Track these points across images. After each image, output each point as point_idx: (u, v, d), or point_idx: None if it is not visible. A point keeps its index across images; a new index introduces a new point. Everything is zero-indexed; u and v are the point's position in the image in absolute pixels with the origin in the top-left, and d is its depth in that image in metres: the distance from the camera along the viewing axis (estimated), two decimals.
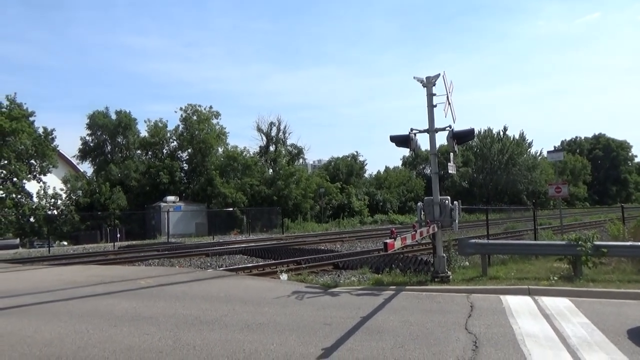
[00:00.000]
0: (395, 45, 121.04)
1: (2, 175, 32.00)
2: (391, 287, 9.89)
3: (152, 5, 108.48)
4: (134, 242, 29.49)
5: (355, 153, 56.67)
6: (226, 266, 15.20)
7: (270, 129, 50.03)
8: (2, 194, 30.92)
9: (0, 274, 14.56)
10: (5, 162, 31.39)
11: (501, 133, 71.07)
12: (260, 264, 15.07)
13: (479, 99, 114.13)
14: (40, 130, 33.48)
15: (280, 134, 50.58)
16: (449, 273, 10.42)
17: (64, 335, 6.47)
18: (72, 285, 10.98)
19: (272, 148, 50.02)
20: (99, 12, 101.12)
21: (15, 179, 31.69)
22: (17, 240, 29.91)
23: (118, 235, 31.38)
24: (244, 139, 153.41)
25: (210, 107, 45.15)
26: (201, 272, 13.44)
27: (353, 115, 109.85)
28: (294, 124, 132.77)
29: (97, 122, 43.94)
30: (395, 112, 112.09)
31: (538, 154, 74.48)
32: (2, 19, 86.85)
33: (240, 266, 14.74)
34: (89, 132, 44.76)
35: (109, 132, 44.55)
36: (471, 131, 11.50)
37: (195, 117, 43.89)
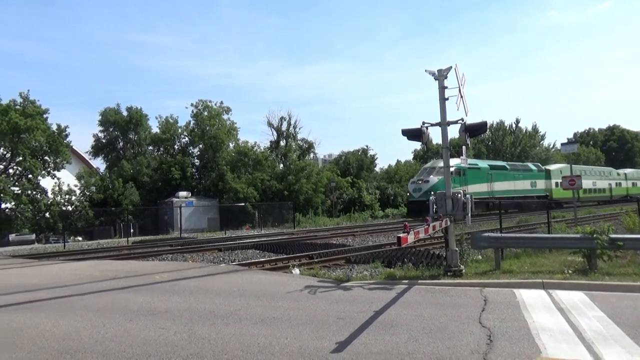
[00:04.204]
0: (406, 39, 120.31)
1: (18, 172, 32.47)
2: (404, 281, 9.88)
3: (163, 2, 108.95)
4: (147, 238, 29.79)
5: (366, 147, 56.57)
6: (239, 261, 15.29)
7: (281, 124, 50.12)
8: (18, 191, 31.36)
9: (18, 269, 14.82)
10: (21, 158, 31.81)
11: (513, 125, 70.47)
12: (273, 258, 15.14)
13: (491, 92, 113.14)
14: (54, 127, 33.83)
15: (291, 128, 50.65)
16: (462, 267, 10.38)
17: (81, 329, 6.58)
18: (88, 280, 11.14)
19: (282, 143, 50.10)
20: (110, 9, 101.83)
21: (30, 176, 32.11)
22: (33, 236, 30.42)
23: (131, 231, 31.70)
24: (254, 134, 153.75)
25: (221, 103, 45.34)
26: (214, 267, 13.55)
27: (363, 109, 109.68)
28: (305, 118, 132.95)
29: (109, 119, 44.31)
30: (406, 105, 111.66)
31: (551, 146, 73.71)
32: (15, 17, 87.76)
33: (252, 261, 14.82)
34: (101, 128, 45.18)
35: (120, 129, 44.92)
36: (484, 124, 11.41)
37: (206, 113, 44.07)
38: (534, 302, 7.67)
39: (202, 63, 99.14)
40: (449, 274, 10.17)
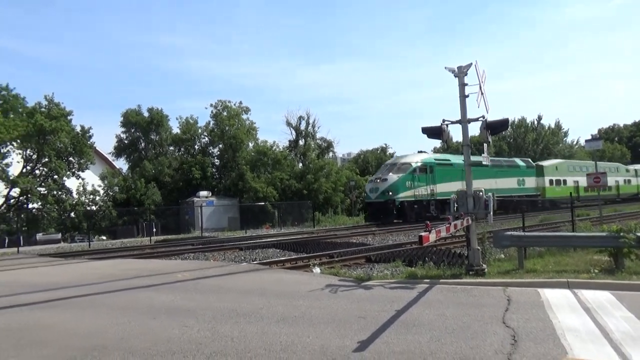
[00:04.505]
0: (425, 36, 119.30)
1: (44, 172, 33.27)
2: (425, 280, 9.82)
3: (184, 4, 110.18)
4: (169, 237, 30.21)
5: (385, 145, 56.46)
6: (259, 260, 15.39)
7: (300, 123, 50.24)
8: (44, 191, 32.15)
9: (45, 267, 15.19)
10: (46, 159, 32.60)
11: (535, 122, 69.29)
12: (293, 257, 15.19)
13: (512, 88, 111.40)
14: (78, 129, 34.55)
15: (310, 127, 50.71)
16: (484, 266, 10.26)
17: (106, 327, 6.71)
18: (112, 279, 11.35)
19: (301, 142, 50.21)
20: (133, 13, 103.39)
21: (55, 176, 32.89)
22: (59, 235, 31.17)
23: (154, 230, 32.21)
24: (273, 133, 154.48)
25: (240, 103, 45.71)
26: (235, 266, 13.66)
27: (382, 108, 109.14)
28: (323, 117, 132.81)
29: (131, 120, 45.07)
30: (425, 103, 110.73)
31: (575, 143, 72.26)
32: (40, 22, 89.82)
33: (273, 260, 14.90)
34: (123, 129, 46.00)
35: (142, 129, 45.66)
36: (505, 121, 11.27)
37: (225, 113, 44.47)
38: (559, 302, 7.54)
39: (222, 64, 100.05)
40: (471, 273, 10.06)
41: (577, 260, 11.18)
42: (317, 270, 12.17)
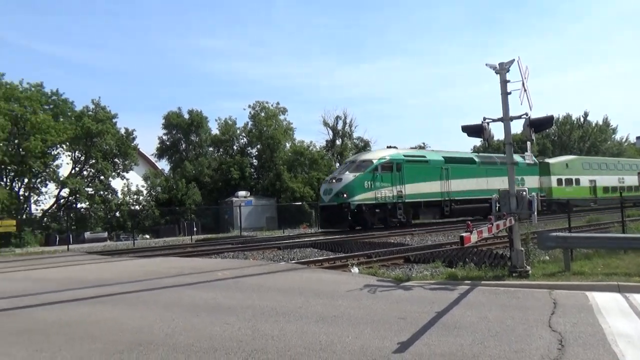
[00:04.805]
0: (463, 31, 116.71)
1: (91, 173, 34.70)
2: (466, 281, 9.62)
3: (222, 7, 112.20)
4: (209, 236, 30.89)
5: (422, 144, 55.56)
6: (297, 259, 15.50)
7: (337, 123, 50.30)
8: (91, 191, 33.54)
9: (93, 264, 15.81)
10: (93, 161, 34.00)
11: (581, 119, 66.74)
12: (331, 257, 15.21)
13: (557, 84, 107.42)
14: (123, 131, 35.81)
15: (347, 127, 50.70)
16: (528, 268, 9.96)
17: (152, 323, 6.92)
18: (157, 276, 11.69)
19: (338, 142, 50.27)
20: (174, 17, 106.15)
21: (102, 177, 34.25)
22: (106, 234, 32.42)
23: (194, 229, 33.01)
24: (310, 133, 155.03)
25: (277, 104, 46.20)
26: (274, 265, 13.81)
27: (420, 106, 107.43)
28: (360, 117, 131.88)
29: (172, 122, 46.32)
30: (464, 101, 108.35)
31: (624, 140, 69.01)
32: (87, 29, 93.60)
33: (311, 259, 14.97)
34: (164, 131, 47.33)
35: (183, 131, 46.84)
36: (550, 118, 10.93)
37: (263, 114, 45.04)
38: (609, 306, 7.23)
39: (259, 65, 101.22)
40: (514, 274, 9.79)
41: (628, 262, 10.68)
42: (355, 270, 12.14)
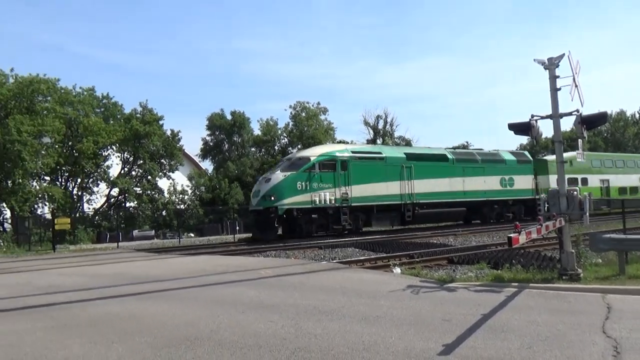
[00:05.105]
0: (510, 26, 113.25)
1: (139, 173, 36.06)
2: (513, 283, 9.35)
3: (265, 10, 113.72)
4: (251, 235, 31.31)
5: (466, 143, 54.40)
6: (339, 259, 15.51)
7: (377, 122, 49.98)
8: (139, 191, 34.86)
9: (142, 261, 16.40)
10: (141, 161, 35.32)
11: (637, 115, 63.47)
12: (372, 257, 15.14)
13: (609, 79, 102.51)
14: (168, 133, 36.97)
15: (388, 126, 50.28)
16: (579, 271, 9.56)
17: (198, 318, 7.11)
18: (202, 273, 11.99)
19: (379, 141, 49.91)
20: (216, 21, 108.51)
21: (149, 177, 35.51)
22: (153, 232, 33.57)
23: (237, 228, 33.59)
24: (351, 133, 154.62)
25: (318, 103, 46.39)
26: (316, 264, 13.88)
27: (463, 104, 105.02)
28: (402, 116, 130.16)
29: (215, 123, 47.34)
30: (510, 98, 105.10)
31: None
32: (135, 35, 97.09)
33: (352, 259, 14.96)
34: (208, 132, 48.44)
35: (225, 132, 47.77)
36: (603, 115, 10.49)
37: (304, 114, 45.33)
38: None
39: (300, 66, 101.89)
40: (564, 277, 9.42)
41: None
42: (397, 270, 12.04)
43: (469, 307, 7.47)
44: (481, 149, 35.32)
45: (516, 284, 9.32)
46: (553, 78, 10.07)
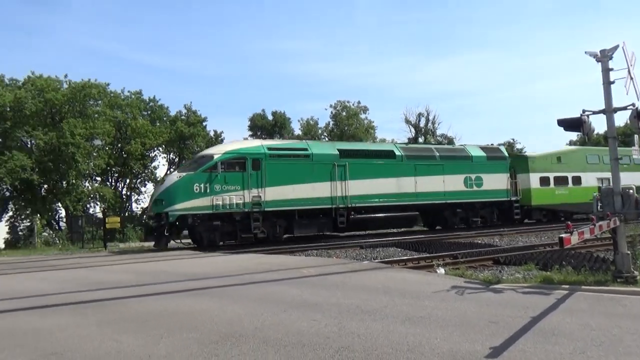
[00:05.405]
0: (558, 17, 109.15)
1: None
2: (563, 286, 8.99)
3: (304, 11, 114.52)
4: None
5: (512, 140, 52.89)
6: (381, 258, 15.41)
7: (419, 120, 49.33)
8: None
9: (187, 259, 16.85)
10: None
11: None
12: (415, 257, 14.95)
13: None
14: (212, 133, 37.89)
15: (429, 124, 49.54)
16: (636, 273, 9.09)
17: (242, 316, 7.23)
18: (246, 272, 12.19)
19: (420, 139, 49.24)
20: (256, 22, 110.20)
21: None
22: None
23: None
24: (391, 132, 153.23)
25: (359, 102, 46.36)
26: (357, 264, 13.84)
27: (509, 100, 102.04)
28: (444, 113, 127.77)
29: (257, 124, 48.17)
30: (559, 92, 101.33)
31: None
32: (179, 39, 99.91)
33: (394, 259, 14.82)
34: (250, 133, 49.31)
35: (267, 132, 48.49)
36: None
37: (344, 113, 45.38)
38: None
39: (341, 65, 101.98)
40: (619, 280, 8.98)
41: None
42: (441, 270, 11.84)
43: (517, 309, 7.25)
44: (444, 145, 31.93)
45: (567, 286, 8.96)
46: (606, 71, 9.63)
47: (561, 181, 28.92)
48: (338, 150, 23.66)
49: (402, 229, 27.15)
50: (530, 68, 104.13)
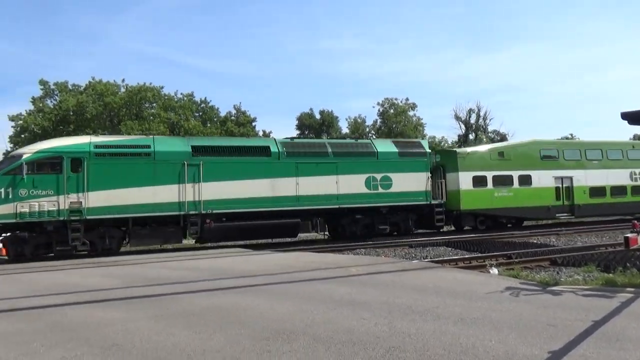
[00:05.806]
0: (610, 6, 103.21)
1: None
2: (628, 289, 8.50)
3: (347, 8, 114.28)
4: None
5: (570, 135, 50.50)
6: (431, 258, 15.15)
7: (469, 117, 48.20)
8: None
9: (239, 257, 17.19)
10: None
11: None
12: (467, 257, 14.59)
13: None
14: (261, 133, 38.55)
15: (481, 120, 48.20)
16: None
17: (293, 313, 7.30)
18: (295, 270, 12.31)
19: (471, 136, 48.01)
20: (303, 23, 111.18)
21: None
22: None
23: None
24: (441, 129, 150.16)
25: (407, 100, 45.83)
26: (407, 263, 13.66)
27: (563, 93, 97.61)
28: (495, 108, 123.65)
29: (305, 122, 48.55)
30: (619, 85, 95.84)
31: None
32: (228, 41, 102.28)
33: (445, 258, 14.54)
34: (298, 132, 49.71)
35: (315, 131, 48.78)
36: None
37: (392, 111, 44.93)
38: None
39: (387, 62, 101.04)
40: None
41: None
42: (494, 271, 11.49)
43: (577, 312, 6.91)
44: (344, 140, 26.71)
45: (632, 289, 8.47)
46: None
47: (503, 181, 24.78)
48: (191, 147, 20.11)
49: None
50: (585, 60, 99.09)
